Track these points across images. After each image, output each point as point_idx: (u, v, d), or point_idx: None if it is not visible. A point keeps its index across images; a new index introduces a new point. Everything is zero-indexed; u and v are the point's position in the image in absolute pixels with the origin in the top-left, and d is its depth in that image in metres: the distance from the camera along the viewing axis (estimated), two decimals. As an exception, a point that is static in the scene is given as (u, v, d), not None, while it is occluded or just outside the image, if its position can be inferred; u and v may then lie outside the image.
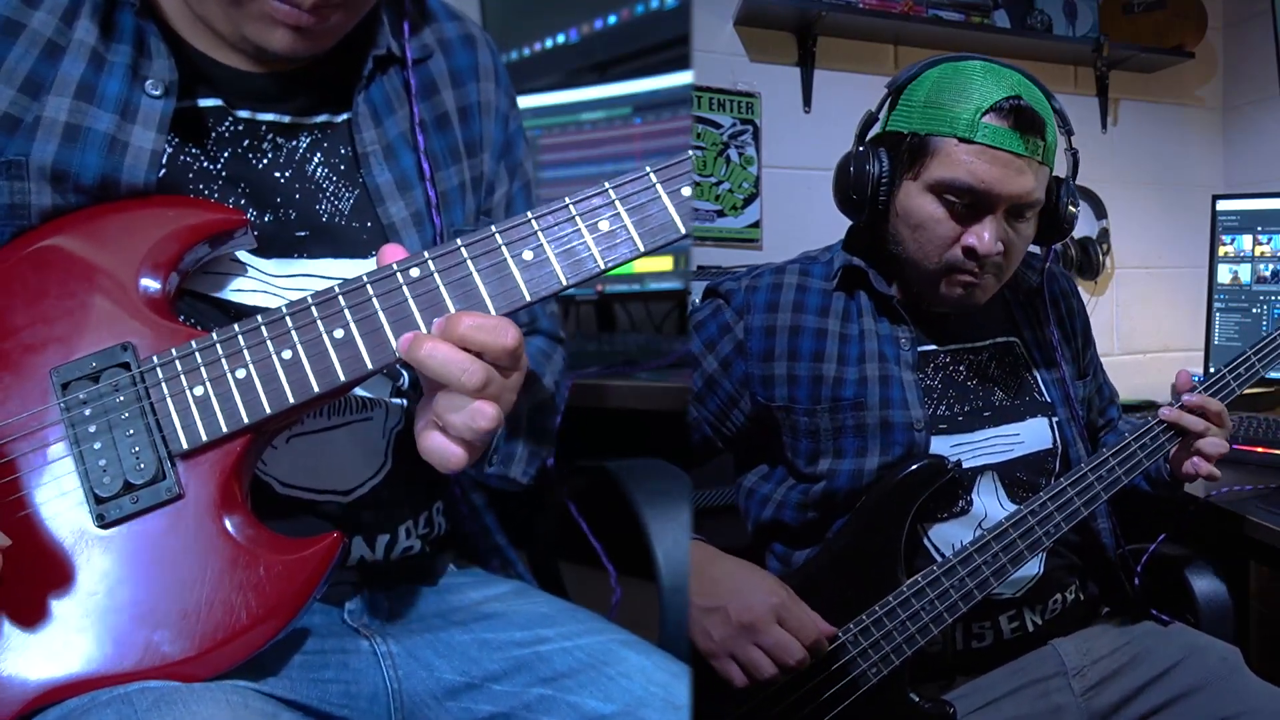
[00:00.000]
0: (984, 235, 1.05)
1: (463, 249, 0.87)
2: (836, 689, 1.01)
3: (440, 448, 0.84)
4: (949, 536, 1.08)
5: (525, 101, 2.04)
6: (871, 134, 1.14)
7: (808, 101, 2.01)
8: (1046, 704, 1.07)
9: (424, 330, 0.84)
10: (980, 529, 1.08)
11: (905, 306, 1.14)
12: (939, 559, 1.06)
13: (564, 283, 0.87)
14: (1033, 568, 1.10)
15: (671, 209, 0.87)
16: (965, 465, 1.09)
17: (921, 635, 1.03)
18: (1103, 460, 1.10)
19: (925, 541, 1.08)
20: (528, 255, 0.87)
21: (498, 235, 0.87)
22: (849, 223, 1.19)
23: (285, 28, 0.91)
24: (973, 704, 1.06)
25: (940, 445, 1.09)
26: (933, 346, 1.14)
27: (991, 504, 1.10)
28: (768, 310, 1.12)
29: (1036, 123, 1.04)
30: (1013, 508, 1.09)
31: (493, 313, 0.86)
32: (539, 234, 0.87)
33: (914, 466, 1.06)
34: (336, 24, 0.95)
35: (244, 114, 0.98)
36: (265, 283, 0.97)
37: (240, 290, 0.96)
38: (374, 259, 0.88)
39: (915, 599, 1.03)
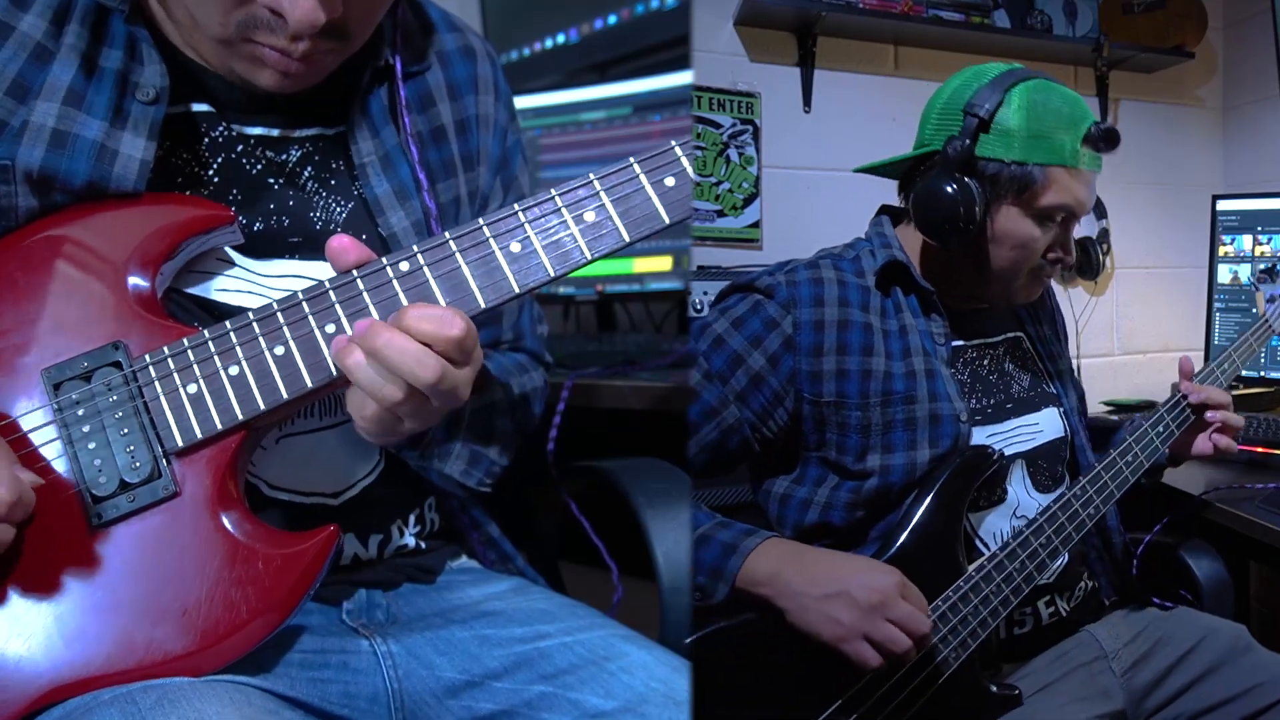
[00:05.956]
0: (1072, 246, 1.13)
1: (451, 242, 0.87)
2: (922, 676, 1.01)
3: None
4: (990, 525, 1.11)
5: (525, 101, 2.04)
6: (945, 155, 1.10)
7: (808, 101, 2.01)
8: (1095, 686, 1.10)
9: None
10: (1015, 516, 1.11)
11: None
12: (982, 547, 1.09)
13: (551, 274, 0.87)
14: (1060, 555, 1.12)
15: (655, 199, 0.88)
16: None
17: (992, 618, 1.04)
18: (1110, 460, 1.14)
19: (968, 530, 1.10)
20: (515, 247, 0.87)
21: (485, 228, 0.87)
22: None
23: (274, 70, 0.91)
24: (1028, 689, 1.07)
25: (978, 436, 1.11)
26: (960, 341, 1.16)
27: (1021, 492, 1.14)
28: (814, 304, 1.09)
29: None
30: (1039, 495, 1.13)
31: (482, 305, 0.86)
32: (525, 226, 0.87)
33: (967, 456, 1.09)
34: (327, 65, 0.94)
35: (233, 126, 0.97)
36: (254, 283, 0.97)
37: (226, 290, 0.96)
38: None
39: (984, 583, 1.04)
